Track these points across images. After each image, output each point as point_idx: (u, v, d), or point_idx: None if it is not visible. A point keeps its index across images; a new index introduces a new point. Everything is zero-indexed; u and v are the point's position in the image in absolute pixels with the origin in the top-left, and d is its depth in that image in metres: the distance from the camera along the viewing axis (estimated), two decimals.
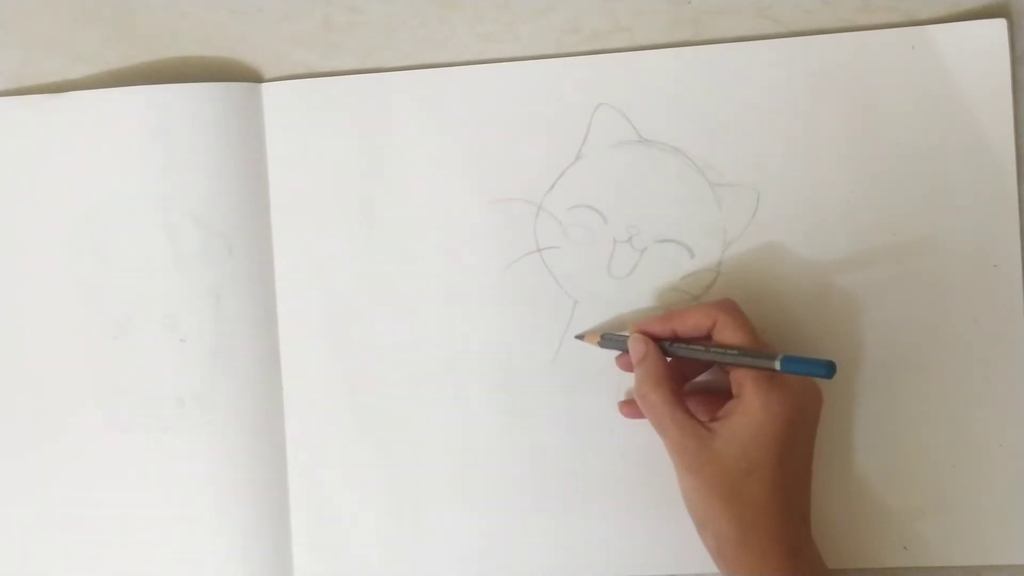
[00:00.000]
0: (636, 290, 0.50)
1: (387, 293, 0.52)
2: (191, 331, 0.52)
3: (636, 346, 0.47)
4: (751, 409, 0.43)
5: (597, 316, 0.51)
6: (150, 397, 0.52)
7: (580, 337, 0.50)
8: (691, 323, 0.47)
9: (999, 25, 0.49)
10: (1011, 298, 0.49)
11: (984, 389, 0.49)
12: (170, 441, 0.52)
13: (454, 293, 0.51)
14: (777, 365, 0.43)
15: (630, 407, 0.49)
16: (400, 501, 0.52)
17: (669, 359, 0.47)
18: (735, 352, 0.45)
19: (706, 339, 0.47)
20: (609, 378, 0.50)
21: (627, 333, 0.48)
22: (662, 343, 0.47)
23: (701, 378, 0.50)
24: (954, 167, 0.49)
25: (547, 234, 0.51)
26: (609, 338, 0.49)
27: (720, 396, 0.46)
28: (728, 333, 0.45)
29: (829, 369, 0.41)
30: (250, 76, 0.53)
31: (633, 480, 0.50)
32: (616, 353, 0.50)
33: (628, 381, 0.50)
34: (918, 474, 0.49)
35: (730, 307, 0.46)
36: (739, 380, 0.45)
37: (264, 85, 0.52)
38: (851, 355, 0.49)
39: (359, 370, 0.52)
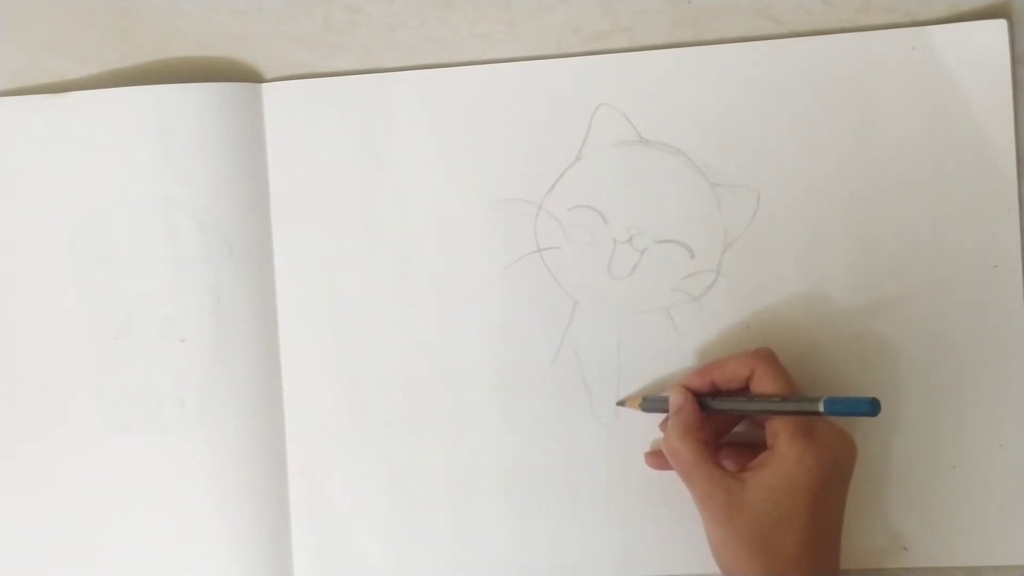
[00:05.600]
0: (636, 290, 0.50)
1: (387, 293, 0.52)
2: (191, 331, 0.52)
3: (675, 398, 0.47)
4: (786, 461, 0.43)
5: (597, 317, 0.51)
6: (150, 397, 0.52)
7: (622, 403, 0.50)
8: (729, 373, 0.46)
9: (999, 26, 0.49)
10: (1011, 298, 0.49)
11: (984, 389, 0.49)
12: (170, 441, 0.52)
13: (454, 293, 0.51)
14: (820, 407, 0.42)
15: (656, 459, 0.49)
16: (400, 501, 0.52)
17: (706, 413, 0.47)
18: (777, 400, 0.44)
19: (744, 389, 0.46)
20: (610, 379, 0.50)
21: (668, 394, 0.48)
22: (703, 399, 0.47)
23: (735, 430, 0.49)
24: (954, 167, 0.49)
25: (547, 234, 0.51)
26: (650, 400, 0.49)
27: (751, 448, 0.46)
28: (766, 383, 0.45)
29: (873, 406, 0.41)
30: (250, 76, 0.53)
31: (633, 481, 0.50)
32: (660, 417, 0.49)
33: (629, 387, 0.50)
34: (918, 474, 0.49)
35: (767, 356, 0.46)
36: (774, 431, 0.44)
37: (264, 85, 0.52)
38: (850, 355, 0.49)
39: (359, 370, 0.52)
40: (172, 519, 0.52)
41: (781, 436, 0.44)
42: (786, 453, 0.43)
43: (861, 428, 0.49)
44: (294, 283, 0.52)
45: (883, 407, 0.49)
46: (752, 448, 0.46)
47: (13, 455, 0.53)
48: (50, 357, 0.53)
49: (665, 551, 0.50)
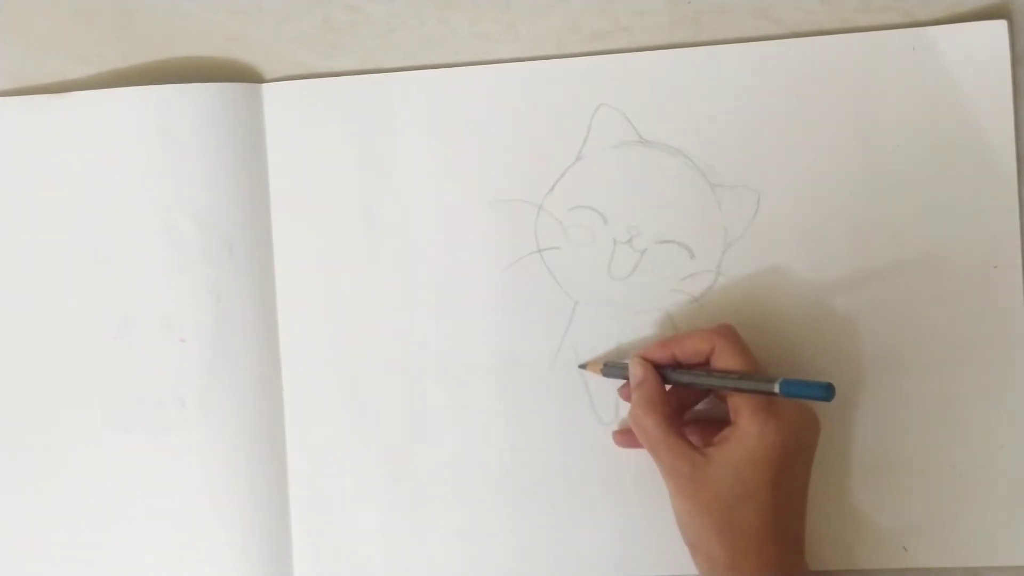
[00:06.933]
0: (636, 291, 0.50)
1: (387, 293, 0.52)
2: (191, 331, 0.52)
3: (635, 370, 0.47)
4: (747, 436, 0.43)
5: (597, 317, 0.51)
6: (150, 397, 0.52)
7: (583, 366, 0.50)
8: (690, 348, 0.46)
9: (999, 26, 0.49)
10: (1011, 299, 0.49)
11: (985, 390, 0.49)
12: (170, 441, 0.52)
13: (454, 294, 0.51)
14: (776, 388, 0.42)
15: (624, 436, 0.49)
16: (400, 501, 0.52)
17: (669, 387, 0.47)
18: (735, 377, 0.44)
19: (705, 365, 0.47)
20: (610, 379, 0.50)
21: (628, 361, 0.48)
22: (663, 370, 0.47)
23: (699, 406, 0.50)
24: (954, 168, 0.49)
25: (547, 235, 0.51)
26: (611, 366, 0.49)
27: (717, 424, 0.46)
28: (727, 358, 0.45)
29: (827, 391, 0.41)
30: (250, 76, 0.53)
31: (633, 481, 0.50)
32: (620, 383, 0.49)
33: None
34: (918, 475, 0.49)
35: (728, 332, 0.46)
36: (736, 407, 0.44)
37: (264, 85, 0.52)
38: (851, 355, 0.50)
39: (359, 370, 0.52)
40: (172, 519, 0.52)
41: (743, 412, 0.44)
42: (748, 428, 0.44)
43: (859, 429, 0.49)
44: (294, 283, 0.52)
45: (883, 406, 0.49)
46: (717, 424, 0.46)
47: (13, 455, 0.53)
48: (50, 357, 0.53)
49: (664, 551, 0.50)
